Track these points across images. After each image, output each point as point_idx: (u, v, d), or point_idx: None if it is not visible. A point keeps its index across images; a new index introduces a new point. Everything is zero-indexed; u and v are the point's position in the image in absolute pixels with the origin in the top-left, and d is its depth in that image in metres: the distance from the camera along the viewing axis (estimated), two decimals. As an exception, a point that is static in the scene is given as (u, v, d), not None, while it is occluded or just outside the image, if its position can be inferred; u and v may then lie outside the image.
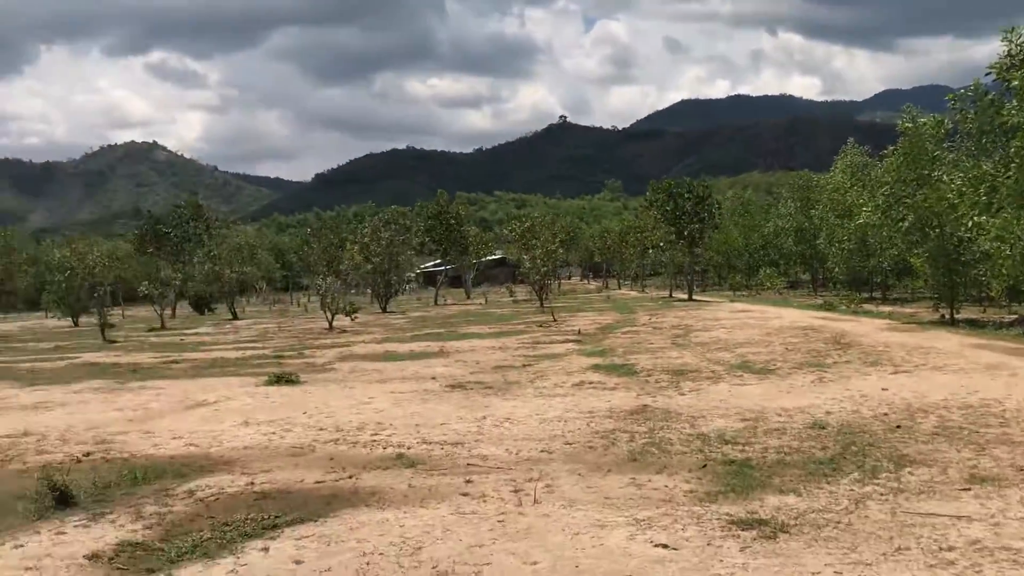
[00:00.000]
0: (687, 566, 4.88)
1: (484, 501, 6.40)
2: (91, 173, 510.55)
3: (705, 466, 7.29)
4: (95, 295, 36.13)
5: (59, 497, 6.58)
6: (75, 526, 6.03)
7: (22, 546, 5.61)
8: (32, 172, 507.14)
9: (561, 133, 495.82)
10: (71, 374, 17.38)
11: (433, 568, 4.95)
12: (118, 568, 5.12)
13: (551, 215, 77.02)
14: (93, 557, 5.32)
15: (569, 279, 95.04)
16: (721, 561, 4.93)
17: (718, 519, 5.73)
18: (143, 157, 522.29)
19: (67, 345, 26.99)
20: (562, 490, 6.67)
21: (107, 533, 5.85)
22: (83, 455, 8.63)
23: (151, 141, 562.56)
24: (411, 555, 5.20)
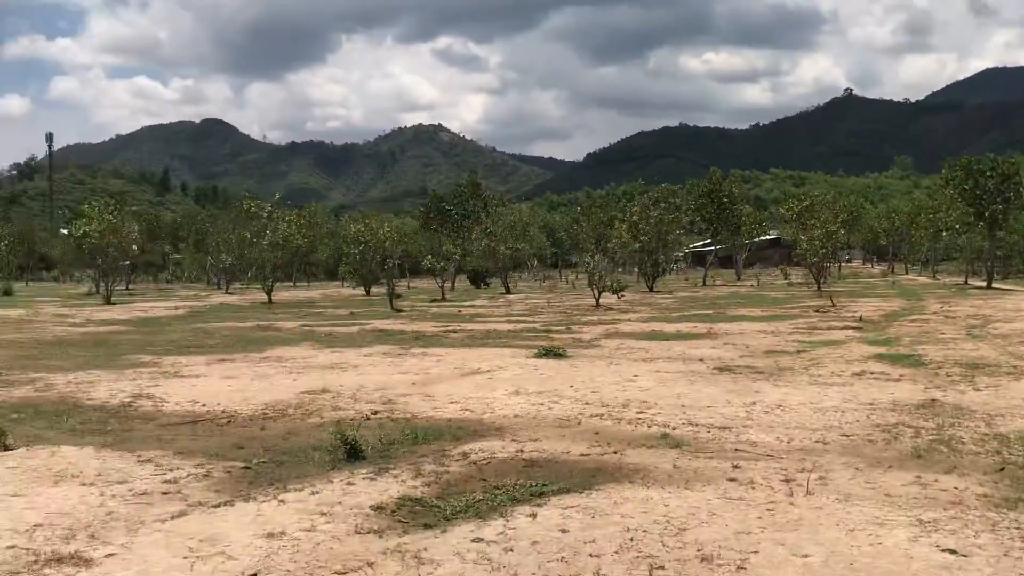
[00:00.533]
0: (979, 577, 4.45)
1: (752, 488, 6.21)
2: (383, 154, 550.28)
3: (1003, 469, 6.61)
4: (385, 267, 38.92)
5: (350, 451, 7.17)
6: (363, 478, 6.54)
7: (318, 493, 6.17)
8: (333, 153, 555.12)
9: (845, 107, 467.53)
10: (363, 339, 18.90)
11: (698, 551, 4.87)
12: (399, 520, 5.49)
13: (832, 193, 73.00)
14: (377, 508, 5.75)
15: (850, 262, 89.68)
16: (1021, 575, 4.45)
17: (1018, 528, 5.17)
18: (429, 139, 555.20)
19: (360, 312, 29.36)
20: (837, 483, 6.32)
21: (390, 487, 6.29)
22: (372, 413, 9.35)
23: (436, 123, 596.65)
24: (675, 535, 5.15)
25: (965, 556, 4.72)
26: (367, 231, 44.75)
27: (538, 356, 14.51)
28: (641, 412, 9.30)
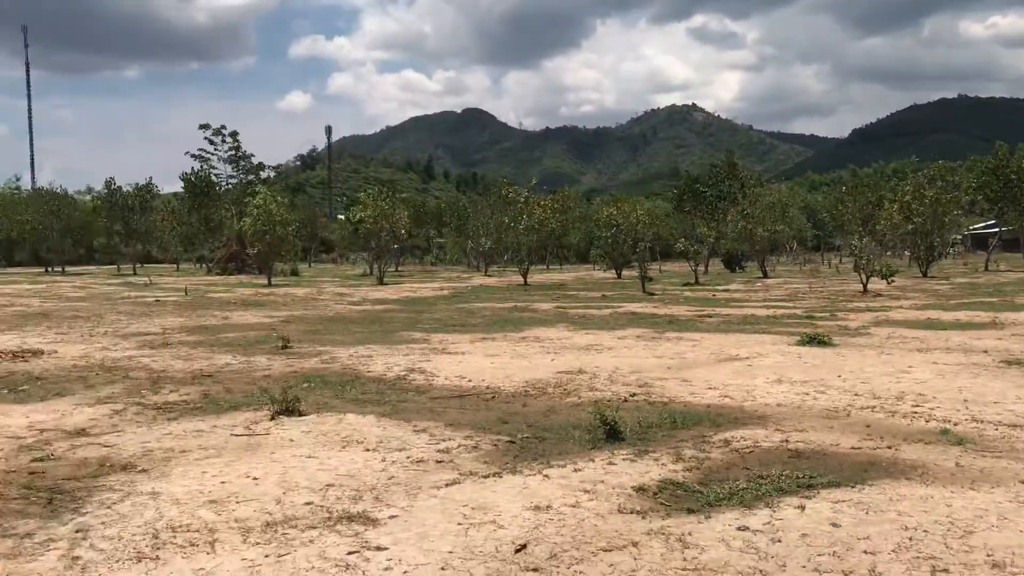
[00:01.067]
0: None
1: (1051, 493, 5.63)
2: (635, 136, 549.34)
3: None
4: (636, 250, 38.94)
5: (609, 431, 7.27)
6: (623, 459, 6.61)
7: (580, 470, 6.31)
8: (585, 138, 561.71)
9: None
10: (616, 321, 19.04)
11: (987, 556, 4.50)
12: (661, 503, 5.50)
13: None
14: (639, 490, 5.79)
15: None
16: None
17: None
18: (682, 119, 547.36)
19: (612, 295, 29.59)
20: None
21: (651, 469, 6.31)
22: (629, 396, 9.41)
23: (690, 104, 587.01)
24: (960, 538, 4.78)
25: None
26: (619, 214, 44.99)
27: (801, 343, 13.95)
28: (917, 406, 8.69)
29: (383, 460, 6.69)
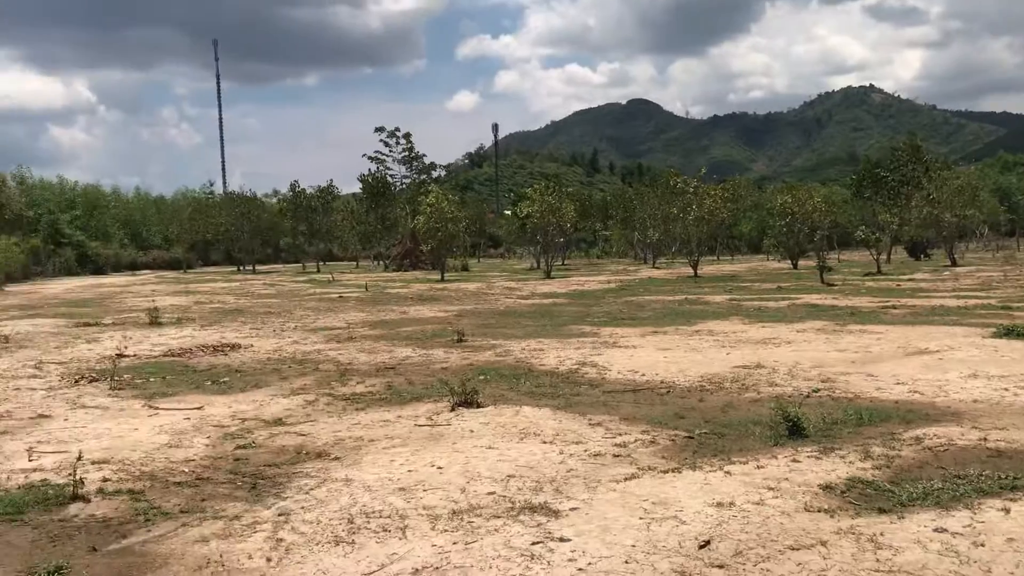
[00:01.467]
0: None
1: None
2: (808, 121, 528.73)
3: None
4: (813, 239, 37.52)
5: (792, 428, 7.07)
6: (807, 456, 6.43)
7: (763, 467, 6.18)
8: (755, 124, 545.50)
9: None
10: (793, 314, 18.43)
11: None
12: (850, 502, 5.31)
13: None
14: (826, 488, 5.62)
15: None
16: None
17: None
18: (858, 101, 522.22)
19: (787, 286, 28.65)
20: None
21: (837, 467, 6.10)
22: (811, 391, 9.12)
23: (867, 85, 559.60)
24: None
25: None
26: (794, 202, 43.44)
27: (997, 336, 13.07)
28: None
29: (561, 453, 6.79)
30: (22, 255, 52.77)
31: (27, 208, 62.50)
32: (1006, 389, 8.93)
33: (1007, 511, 5.04)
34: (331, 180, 72.22)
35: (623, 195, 76.56)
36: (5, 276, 43.59)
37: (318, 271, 59.24)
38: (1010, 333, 13.05)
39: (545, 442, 7.18)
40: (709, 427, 7.54)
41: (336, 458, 6.88)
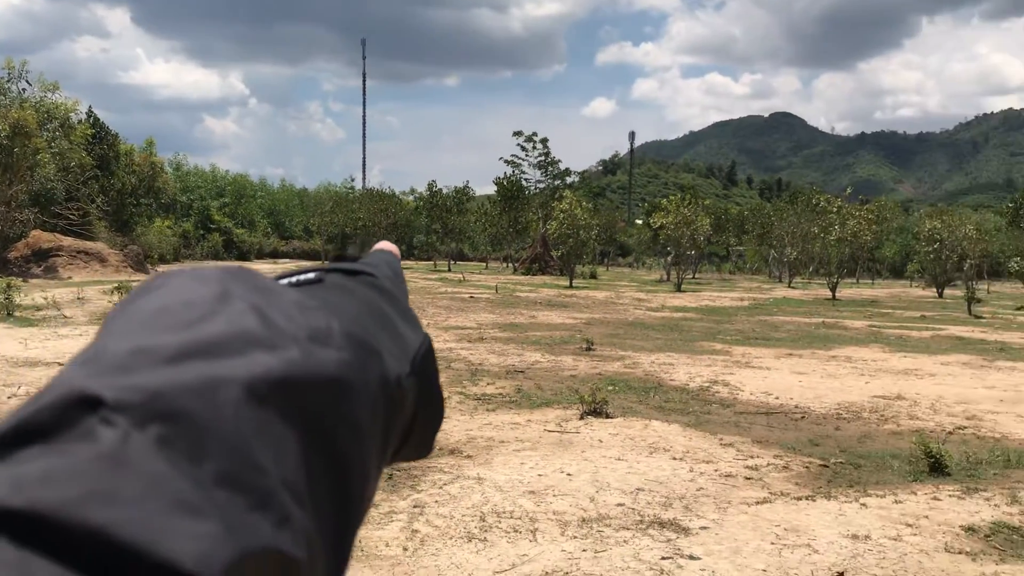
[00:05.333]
0: None
1: None
2: (962, 142, 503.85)
3: None
4: (962, 268, 35.74)
5: (933, 464, 6.84)
6: (949, 495, 6.21)
7: (901, 502, 6.02)
8: (904, 143, 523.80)
9: None
10: (937, 345, 17.66)
11: None
12: (994, 547, 5.12)
13: None
14: (969, 529, 5.43)
15: None
16: None
17: None
18: (1019, 124, 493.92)
19: (932, 315, 27.42)
20: None
21: (981, 509, 5.88)
22: (955, 428, 8.77)
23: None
24: None
25: None
26: (943, 227, 41.52)
27: None
28: None
29: (691, 471, 6.78)
30: (175, 238, 56.07)
31: (181, 193, 66.37)
32: None
33: None
34: (467, 181, 73.60)
35: (760, 210, 74.95)
36: (158, 257, 46.37)
37: (449, 270, 60.45)
38: None
39: (675, 458, 7.18)
40: (845, 456, 7.37)
41: (468, 456, 7.08)
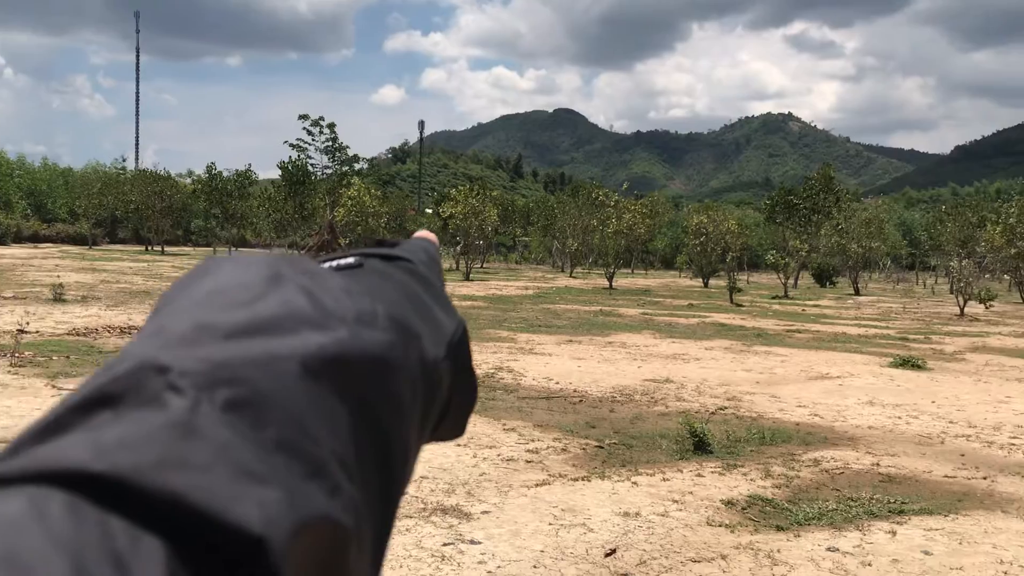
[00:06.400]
0: None
1: None
2: (726, 143, 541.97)
3: None
4: (725, 260, 38.52)
5: (697, 443, 7.31)
6: (711, 472, 6.66)
7: (668, 480, 6.39)
8: (676, 142, 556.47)
9: None
10: (702, 331, 18.93)
11: (1087, 599, 4.44)
12: (750, 518, 5.54)
13: None
14: (728, 503, 5.84)
15: None
16: None
17: None
18: (776, 128, 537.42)
19: (698, 304, 29.35)
20: None
21: (739, 484, 6.35)
22: (717, 408, 9.42)
23: (785, 112, 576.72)
24: (1059, 578, 4.72)
25: None
26: (709, 222, 44.52)
27: (894, 365, 13.68)
28: (1016, 438, 8.48)
29: (474, 456, 6.88)
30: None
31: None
32: (899, 417, 9.38)
33: (893, 534, 5.33)
34: (249, 164, 70.77)
35: (545, 203, 77.23)
36: None
37: (230, 257, 58.04)
38: (905, 364, 13.68)
39: (459, 445, 7.25)
40: (618, 437, 7.73)
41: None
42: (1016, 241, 40.86)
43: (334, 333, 0.36)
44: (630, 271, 68.25)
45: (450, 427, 0.50)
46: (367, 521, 0.34)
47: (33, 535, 0.24)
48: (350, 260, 0.47)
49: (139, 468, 0.27)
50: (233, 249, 67.46)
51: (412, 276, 0.49)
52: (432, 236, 0.63)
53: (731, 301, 30.73)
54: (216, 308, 0.36)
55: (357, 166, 76.02)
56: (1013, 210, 43.57)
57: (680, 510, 5.65)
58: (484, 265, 62.52)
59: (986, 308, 29.50)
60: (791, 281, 44.77)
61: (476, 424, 8.07)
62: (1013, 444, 8.18)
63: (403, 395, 0.39)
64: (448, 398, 0.47)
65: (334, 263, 0.46)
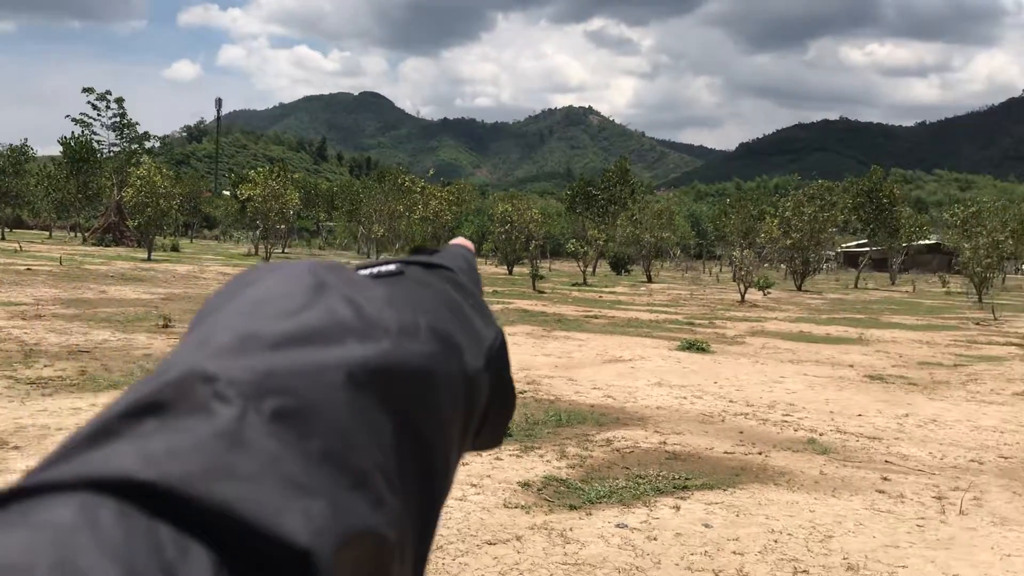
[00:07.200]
0: None
1: (901, 502, 6.08)
2: (531, 134, 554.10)
3: None
4: (529, 248, 39.37)
5: (497, 426, 7.42)
6: (509, 455, 6.77)
7: (467, 465, 6.43)
8: (482, 131, 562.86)
9: (1022, 108, 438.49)
10: (506, 317, 19.26)
11: (843, 559, 4.85)
12: (545, 499, 5.68)
13: (1002, 201, 68.75)
14: (524, 485, 5.96)
15: (1016, 274, 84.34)
16: None
17: None
18: (578, 120, 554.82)
19: (503, 290, 29.87)
20: (992, 505, 6.11)
21: (536, 466, 6.49)
22: (518, 392, 9.60)
23: (586, 106, 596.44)
24: (821, 542, 5.13)
25: None
26: (514, 211, 45.35)
27: (681, 349, 14.46)
28: (787, 415, 9.18)
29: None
30: None
31: None
32: (684, 398, 9.91)
33: (677, 509, 5.62)
34: (26, 139, 65.34)
35: (350, 187, 76.15)
36: None
37: (3, 238, 53.45)
38: (691, 347, 14.49)
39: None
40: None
41: (16, 447, 6.28)
42: (791, 233, 44.27)
43: (378, 344, 0.36)
44: (436, 258, 68.39)
45: (488, 436, 0.50)
46: (409, 533, 0.34)
47: (86, 543, 0.24)
48: (391, 267, 0.47)
49: (187, 478, 0.27)
50: (7, 230, 62.10)
51: (452, 285, 0.49)
52: (469, 244, 0.62)
53: (534, 288, 31.47)
54: (262, 317, 0.36)
55: (148, 144, 71.92)
56: (788, 204, 47.19)
57: (478, 494, 5.70)
58: (286, 250, 60.86)
59: (764, 295, 31.81)
60: (590, 269, 46.43)
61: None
62: (785, 421, 8.84)
63: (444, 407, 0.39)
64: (486, 408, 0.47)
65: (374, 270, 0.47)
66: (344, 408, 0.33)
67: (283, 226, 48.70)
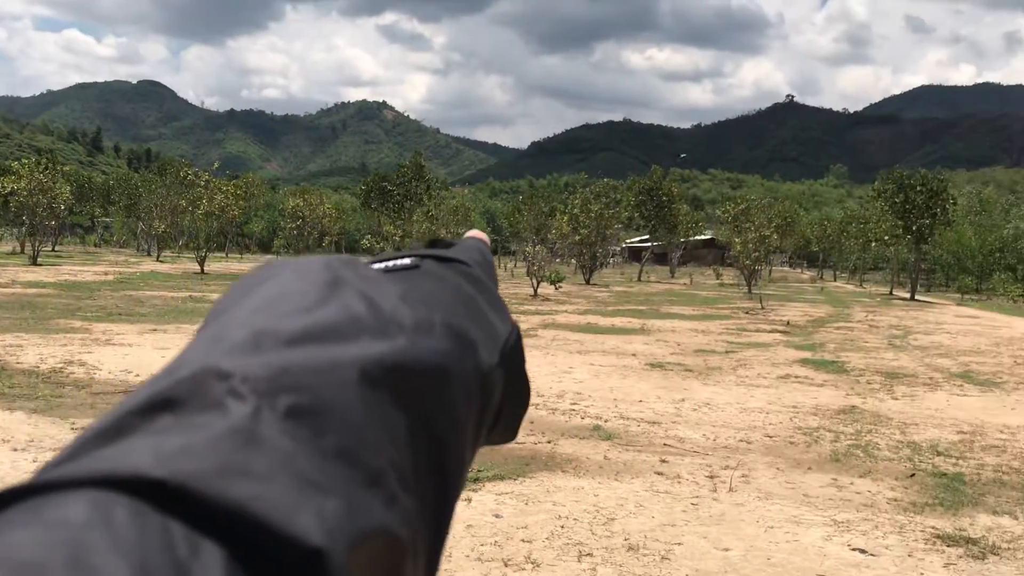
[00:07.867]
0: (884, 574, 4.76)
1: (678, 482, 6.47)
2: (323, 127, 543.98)
3: (913, 475, 7.00)
4: (322, 244, 38.65)
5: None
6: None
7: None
8: (272, 123, 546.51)
9: (786, 113, 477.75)
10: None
11: (624, 539, 5.10)
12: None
13: (768, 198, 74.54)
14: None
15: (781, 267, 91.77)
16: (922, 574, 4.77)
17: (922, 531, 5.52)
18: (372, 115, 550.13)
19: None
20: (759, 482, 6.62)
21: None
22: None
23: (381, 101, 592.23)
24: (604, 524, 5.37)
25: (874, 555, 5.04)
26: (306, 206, 44.40)
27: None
28: (575, 404, 9.54)
29: (34, 461, 6.17)
30: None
31: None
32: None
33: (469, 501, 5.70)
34: None
35: (128, 180, 71.66)
36: None
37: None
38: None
39: (16, 449, 6.47)
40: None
41: None
42: (580, 229, 45.98)
43: (393, 341, 0.36)
44: (224, 255, 65.88)
45: (502, 432, 0.49)
46: (422, 531, 0.34)
47: (98, 540, 0.24)
48: (406, 261, 0.47)
49: (201, 475, 0.27)
50: None
51: (467, 279, 0.49)
52: (484, 237, 0.61)
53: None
54: (277, 314, 0.36)
55: None
56: (577, 201, 48.99)
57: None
58: (56, 248, 56.51)
59: (556, 289, 32.88)
60: (386, 265, 46.10)
61: (37, 425, 7.26)
62: (573, 410, 9.18)
63: (458, 404, 0.39)
64: (500, 403, 0.46)
65: (389, 263, 0.46)
66: (358, 406, 0.33)
67: (53, 222, 45.17)
